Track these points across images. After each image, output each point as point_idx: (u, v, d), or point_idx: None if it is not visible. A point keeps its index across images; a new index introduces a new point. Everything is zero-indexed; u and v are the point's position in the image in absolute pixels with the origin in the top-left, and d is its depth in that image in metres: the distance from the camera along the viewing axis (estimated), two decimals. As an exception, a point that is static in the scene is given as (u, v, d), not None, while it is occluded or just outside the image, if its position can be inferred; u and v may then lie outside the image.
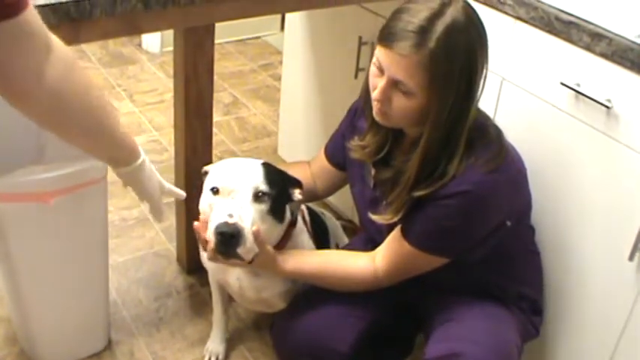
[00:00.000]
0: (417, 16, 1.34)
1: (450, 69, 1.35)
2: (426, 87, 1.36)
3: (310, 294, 1.71)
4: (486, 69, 1.43)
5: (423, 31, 1.33)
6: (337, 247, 2.01)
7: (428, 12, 1.34)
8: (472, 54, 1.38)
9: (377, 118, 1.49)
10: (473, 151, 1.44)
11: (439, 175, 1.43)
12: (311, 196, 1.89)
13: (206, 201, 1.57)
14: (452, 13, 1.35)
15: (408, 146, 1.53)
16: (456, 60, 1.36)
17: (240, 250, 1.49)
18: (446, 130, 1.41)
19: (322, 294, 1.67)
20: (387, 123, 1.50)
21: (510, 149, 1.52)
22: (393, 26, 1.37)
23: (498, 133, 1.51)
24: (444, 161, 1.43)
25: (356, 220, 1.95)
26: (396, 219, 1.50)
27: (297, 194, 1.65)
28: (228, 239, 1.47)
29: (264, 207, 1.54)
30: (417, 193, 1.45)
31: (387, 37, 1.38)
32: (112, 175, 1.48)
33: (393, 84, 1.39)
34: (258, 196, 1.53)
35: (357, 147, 1.64)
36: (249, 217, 1.50)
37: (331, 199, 2.35)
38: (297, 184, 1.66)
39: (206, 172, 1.63)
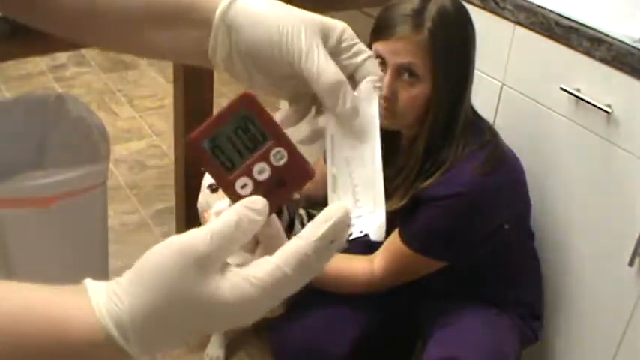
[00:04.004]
0: (409, 3, 1.42)
1: (449, 46, 1.42)
2: (430, 68, 1.41)
3: (309, 298, 1.71)
4: (475, 57, 1.49)
5: (418, 13, 1.40)
6: (337, 252, 2.00)
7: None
8: (465, 33, 1.45)
9: (383, 121, 1.50)
10: (469, 144, 1.47)
11: (440, 162, 1.46)
12: (312, 202, 1.89)
13: (204, 198, 1.57)
14: None
15: (408, 147, 1.54)
16: (452, 38, 1.43)
17: None
18: (447, 115, 1.46)
19: (321, 298, 1.66)
20: (392, 124, 1.51)
21: (508, 153, 1.53)
22: (388, 18, 1.43)
23: (494, 134, 1.53)
24: (443, 152, 1.47)
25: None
26: (399, 205, 1.50)
27: (294, 193, 1.65)
28: None
29: None
30: (422, 185, 1.46)
31: (384, 29, 1.44)
32: (111, 180, 1.47)
33: (398, 74, 1.42)
34: None
35: None
36: None
37: (331, 204, 2.35)
38: None
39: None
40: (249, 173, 0.59)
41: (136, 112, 3.33)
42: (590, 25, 1.52)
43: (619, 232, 1.54)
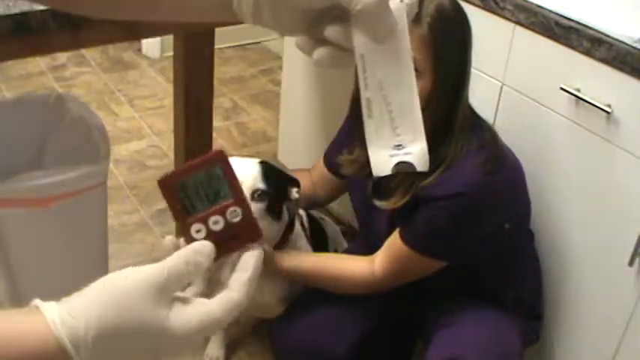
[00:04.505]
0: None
1: (449, 41, 1.43)
2: (430, 62, 1.41)
3: (309, 298, 1.71)
4: (471, 54, 1.49)
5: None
6: (336, 252, 2.00)
7: None
8: (462, 29, 1.46)
9: None
10: (467, 143, 1.47)
11: (439, 160, 1.46)
12: (312, 203, 1.89)
13: None
14: None
15: None
16: (451, 34, 1.44)
17: None
18: (446, 111, 1.46)
19: (321, 298, 1.67)
20: None
21: (507, 153, 1.53)
22: None
23: (493, 134, 1.53)
24: (442, 149, 1.46)
25: (356, 224, 1.95)
26: (401, 202, 1.50)
27: (294, 193, 1.65)
28: None
29: (261, 205, 1.54)
30: (422, 183, 1.46)
31: None
32: (111, 180, 1.46)
33: None
34: (255, 195, 1.53)
35: (347, 162, 1.65)
36: None
37: (331, 204, 2.35)
38: (294, 182, 1.66)
39: None
40: (205, 221, 0.66)
41: (135, 112, 3.33)
42: (590, 25, 1.52)
43: (619, 232, 1.54)
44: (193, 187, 0.66)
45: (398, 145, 0.64)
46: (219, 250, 0.65)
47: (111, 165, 2.16)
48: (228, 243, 0.66)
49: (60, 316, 0.56)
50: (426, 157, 0.63)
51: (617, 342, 1.61)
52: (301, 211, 1.84)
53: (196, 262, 0.63)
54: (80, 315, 0.56)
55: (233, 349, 2.09)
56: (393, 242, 1.55)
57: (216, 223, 0.66)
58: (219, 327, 0.63)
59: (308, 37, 0.65)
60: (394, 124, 0.64)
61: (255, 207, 1.53)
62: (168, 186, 0.66)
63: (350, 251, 1.87)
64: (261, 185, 1.54)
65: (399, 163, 0.63)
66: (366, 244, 1.75)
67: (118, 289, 0.59)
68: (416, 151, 0.64)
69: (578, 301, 1.68)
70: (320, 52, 0.63)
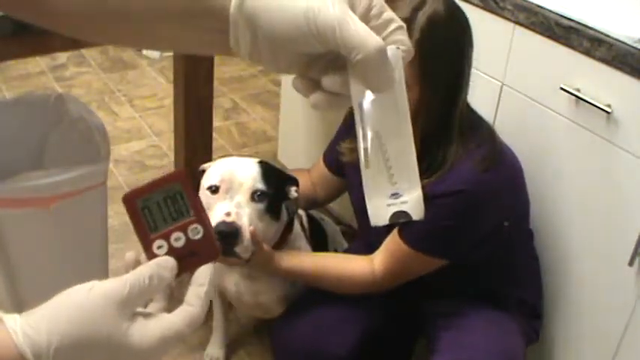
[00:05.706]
0: (399, 12, 1.37)
1: (438, 57, 1.40)
2: (418, 78, 1.39)
3: (309, 298, 1.71)
4: (471, 58, 1.46)
5: (408, 23, 1.36)
6: (336, 252, 2.00)
7: (409, 6, 1.38)
8: (456, 42, 1.43)
9: None
10: (467, 142, 1.46)
11: (438, 164, 1.45)
12: (312, 203, 1.89)
13: (203, 200, 1.57)
14: (432, 4, 1.39)
15: None
16: (441, 49, 1.40)
17: (238, 249, 1.49)
18: (439, 121, 1.44)
19: (321, 298, 1.67)
20: None
21: (506, 151, 1.53)
22: None
23: (491, 132, 1.53)
24: (441, 152, 1.46)
25: (355, 224, 1.95)
26: None
27: (293, 192, 1.65)
28: (226, 238, 1.47)
29: (261, 206, 1.54)
30: (422, 183, 1.46)
31: None
32: (111, 180, 1.45)
33: None
34: (255, 195, 1.53)
35: (348, 150, 1.65)
36: (246, 215, 1.51)
37: (331, 204, 2.35)
38: (293, 181, 1.66)
39: (203, 171, 1.63)
40: (167, 237, 0.68)
41: (136, 112, 3.33)
42: (590, 25, 1.52)
43: (619, 232, 1.54)
44: (156, 205, 0.68)
45: (394, 193, 0.65)
46: (180, 267, 0.67)
47: (111, 165, 2.16)
48: (188, 260, 0.68)
49: (22, 328, 0.57)
50: (422, 205, 0.64)
51: (617, 342, 1.61)
52: (301, 211, 1.84)
53: (160, 276, 0.65)
54: (42, 328, 0.58)
55: (233, 349, 2.09)
56: (393, 241, 1.55)
57: (178, 239, 0.68)
58: (180, 340, 0.65)
59: (304, 77, 0.64)
60: (391, 172, 0.65)
61: (255, 207, 1.53)
62: (132, 203, 0.68)
63: (350, 251, 1.87)
64: (260, 186, 1.54)
65: (395, 213, 0.64)
66: (366, 244, 1.75)
67: (80, 302, 0.61)
68: (412, 200, 0.65)
69: (578, 301, 1.68)
70: (317, 97, 0.64)
